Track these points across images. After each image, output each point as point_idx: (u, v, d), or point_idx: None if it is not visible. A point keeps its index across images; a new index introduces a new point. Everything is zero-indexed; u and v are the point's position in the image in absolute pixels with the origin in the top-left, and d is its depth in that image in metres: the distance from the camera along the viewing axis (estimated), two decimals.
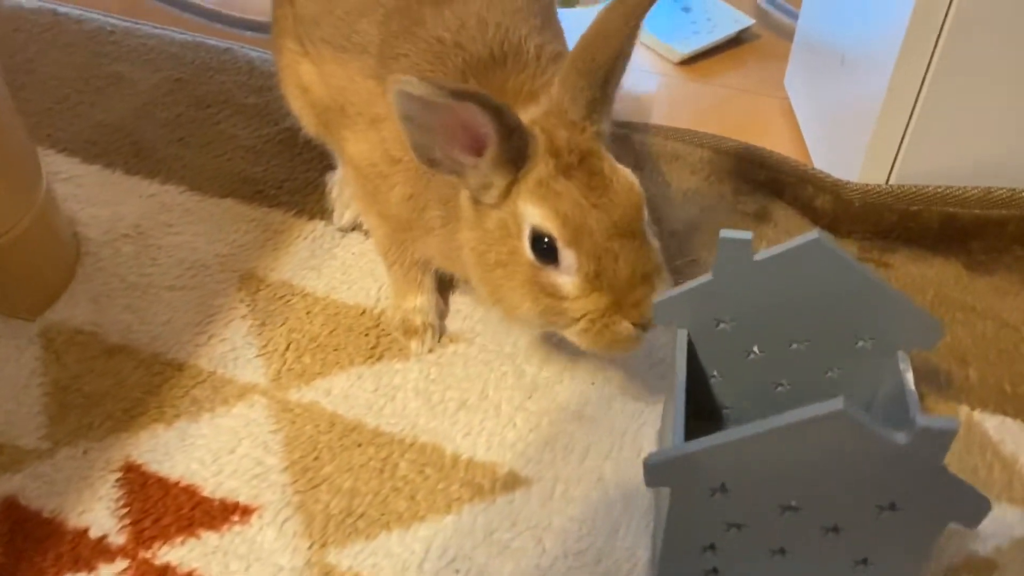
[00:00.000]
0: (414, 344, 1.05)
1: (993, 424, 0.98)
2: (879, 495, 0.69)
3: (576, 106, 0.84)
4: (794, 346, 0.86)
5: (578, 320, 0.84)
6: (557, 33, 1.03)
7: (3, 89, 1.03)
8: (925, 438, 0.64)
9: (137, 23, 1.58)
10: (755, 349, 0.88)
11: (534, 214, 0.82)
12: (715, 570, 0.80)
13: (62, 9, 1.60)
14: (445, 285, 1.12)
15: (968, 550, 0.87)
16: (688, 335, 0.87)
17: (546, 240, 0.82)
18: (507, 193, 0.84)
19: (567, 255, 0.82)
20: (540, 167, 0.83)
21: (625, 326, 0.83)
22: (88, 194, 1.26)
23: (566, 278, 0.83)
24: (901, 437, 0.65)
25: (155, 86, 1.45)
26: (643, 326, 0.84)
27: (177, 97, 1.43)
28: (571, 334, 0.87)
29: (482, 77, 0.91)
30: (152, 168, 1.30)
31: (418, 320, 1.06)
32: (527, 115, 0.85)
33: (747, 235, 0.79)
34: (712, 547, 0.77)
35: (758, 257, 0.80)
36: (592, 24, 0.83)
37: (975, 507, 0.69)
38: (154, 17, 1.62)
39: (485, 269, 0.87)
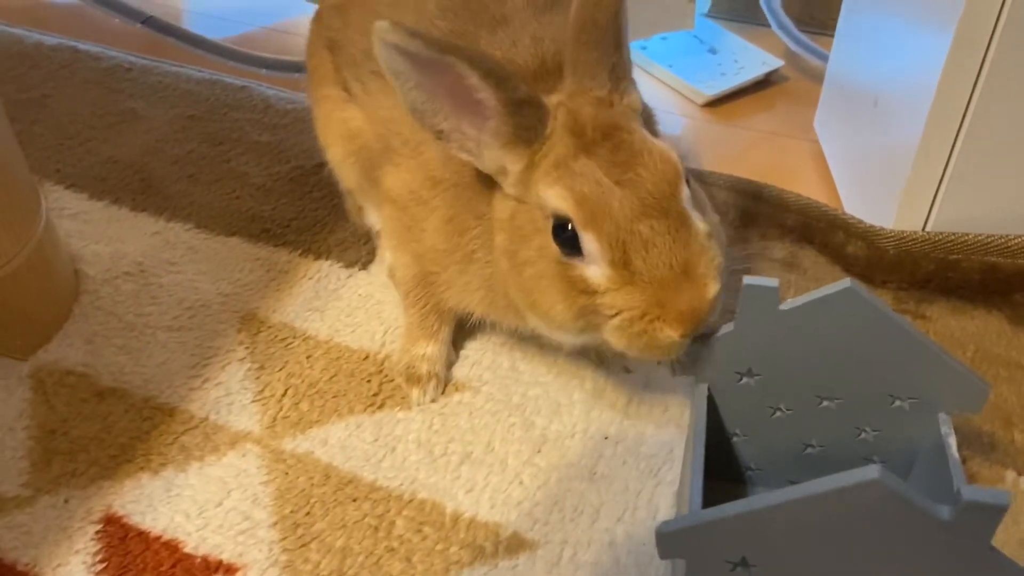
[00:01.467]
0: (415, 393, 1.00)
1: None
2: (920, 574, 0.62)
3: (599, 80, 0.78)
4: (824, 404, 0.80)
5: (612, 318, 0.75)
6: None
7: (6, 128, 1.00)
8: (971, 513, 0.57)
9: (155, 61, 1.57)
10: (782, 407, 0.81)
11: (551, 197, 0.75)
12: None
13: (82, 46, 1.60)
14: (458, 335, 1.06)
15: None
16: (709, 390, 0.80)
17: (567, 226, 0.74)
18: (529, 183, 0.78)
19: (587, 240, 0.73)
20: (559, 147, 0.76)
21: (667, 334, 0.73)
22: (92, 231, 1.23)
23: (594, 269, 0.74)
24: (944, 511, 0.58)
25: (168, 123, 1.43)
26: (688, 335, 0.73)
27: (189, 134, 1.40)
28: (607, 333, 0.77)
29: (531, 86, 0.84)
30: (159, 205, 1.27)
31: (424, 368, 1.00)
32: (552, 98, 0.80)
33: (774, 282, 0.73)
34: None
35: (785, 306, 0.74)
36: None
37: None
38: (173, 55, 1.61)
39: (517, 272, 0.81)
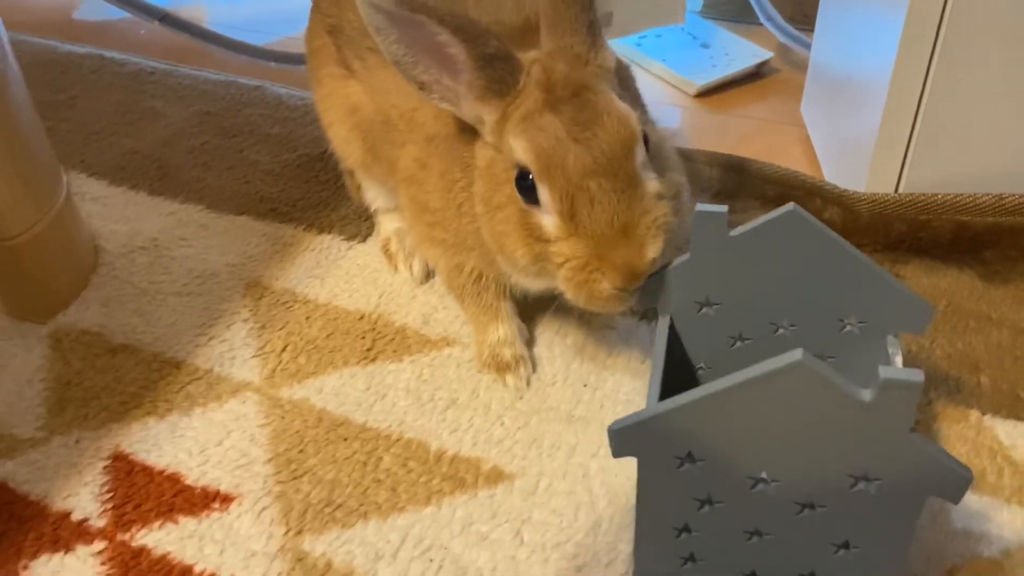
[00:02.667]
0: (510, 379, 1.01)
1: (1005, 429, 0.92)
2: (850, 463, 0.65)
3: (578, 36, 0.83)
4: (780, 331, 0.84)
5: (561, 266, 0.81)
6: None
7: (29, 105, 1.08)
8: (889, 392, 0.60)
9: (176, 65, 1.66)
10: (741, 336, 0.85)
11: (516, 147, 0.81)
12: (692, 557, 0.76)
13: (108, 54, 1.70)
14: (526, 312, 1.08)
15: (973, 552, 0.81)
16: (672, 321, 0.85)
17: (529, 176, 0.80)
18: (502, 131, 0.83)
19: (542, 191, 0.79)
20: (529, 101, 0.81)
21: (604, 286, 0.79)
22: (112, 212, 1.31)
23: (548, 219, 0.80)
24: (865, 393, 0.61)
25: (186, 119, 1.51)
26: (625, 289, 0.79)
27: (205, 128, 1.49)
28: (558, 281, 0.83)
29: (515, 43, 0.89)
30: (174, 190, 1.35)
31: (507, 353, 1.01)
32: (530, 54, 0.84)
33: (723, 208, 0.78)
34: (687, 529, 0.74)
35: (734, 232, 0.78)
36: None
37: (955, 478, 0.64)
38: (192, 61, 1.70)
39: (490, 216, 0.86)
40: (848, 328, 0.82)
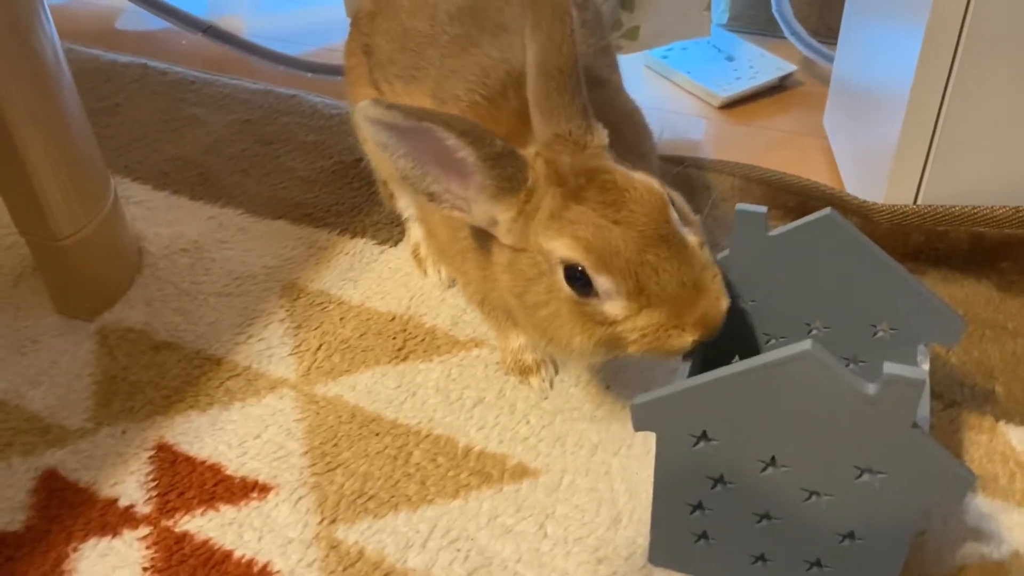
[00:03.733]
0: (534, 381, 1.04)
1: (1018, 435, 0.95)
2: (855, 455, 0.68)
3: (575, 121, 0.83)
4: (813, 332, 0.87)
5: (637, 340, 0.81)
6: (611, 64, 1.08)
7: (82, 115, 1.14)
8: (893, 387, 0.63)
9: (216, 75, 1.72)
10: (775, 334, 0.88)
11: (557, 247, 0.80)
12: (705, 535, 0.79)
13: (151, 63, 1.76)
14: None
15: (982, 553, 0.84)
16: None
17: (579, 270, 0.80)
18: (523, 232, 0.83)
19: (601, 281, 0.79)
20: (548, 200, 0.82)
21: (685, 340, 0.80)
22: (155, 216, 1.36)
23: (610, 303, 0.80)
24: (870, 387, 0.65)
25: (226, 126, 1.57)
26: (710, 336, 0.80)
27: (244, 136, 1.54)
28: (627, 348, 0.83)
29: (522, 89, 0.91)
30: (215, 195, 1.40)
31: (529, 358, 1.04)
32: (529, 150, 0.85)
33: (762, 209, 0.82)
34: (701, 507, 0.77)
35: (772, 232, 0.82)
36: (532, 41, 0.82)
37: (956, 479, 0.67)
38: (232, 70, 1.76)
39: (528, 312, 0.86)
40: (880, 334, 0.85)
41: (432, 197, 0.84)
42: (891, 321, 0.84)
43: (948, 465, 0.67)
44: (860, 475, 0.69)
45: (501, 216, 0.84)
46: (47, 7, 1.06)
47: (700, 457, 0.74)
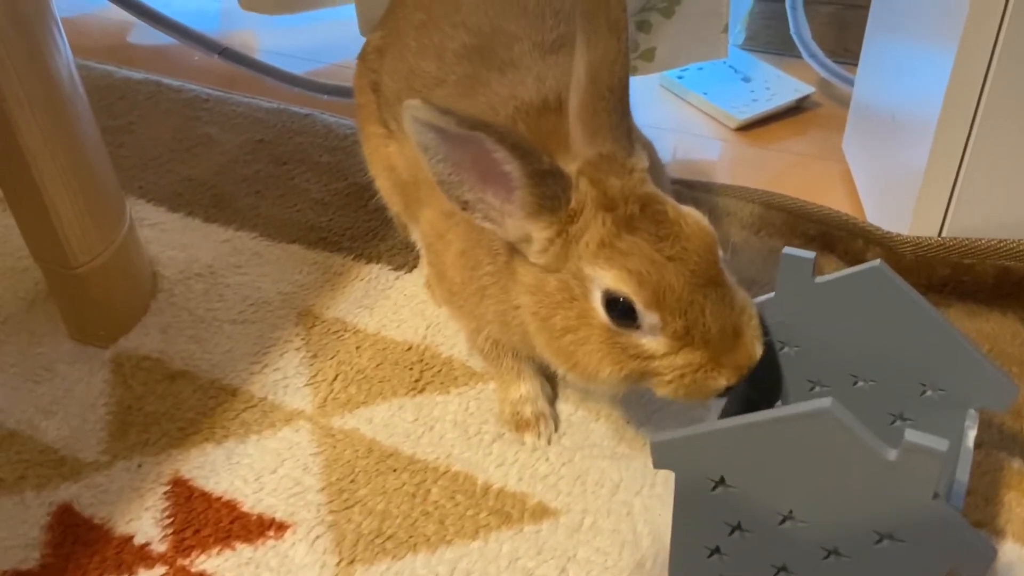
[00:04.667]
0: (528, 438, 1.01)
1: None
2: (875, 519, 0.67)
3: (620, 143, 0.81)
4: (859, 384, 0.86)
5: (671, 378, 0.80)
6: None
7: (99, 140, 1.13)
8: (912, 455, 0.62)
9: (230, 93, 1.71)
10: (819, 382, 0.87)
11: (605, 277, 0.77)
12: None
13: (165, 80, 1.76)
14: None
15: None
16: None
17: (622, 301, 0.77)
18: (561, 253, 0.81)
19: (650, 316, 0.77)
20: (597, 224, 0.79)
21: (719, 384, 0.78)
22: (169, 239, 1.35)
23: (651, 338, 0.78)
24: (891, 453, 0.63)
25: (239, 146, 1.56)
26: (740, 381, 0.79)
27: (258, 156, 1.53)
28: (657, 386, 0.82)
29: (533, 122, 0.91)
30: (229, 217, 1.39)
31: (528, 411, 1.02)
32: (572, 165, 0.82)
33: (810, 254, 0.81)
34: (718, 551, 0.76)
35: (819, 280, 0.81)
36: (583, 55, 0.80)
37: (977, 553, 0.65)
38: (246, 88, 1.75)
39: (552, 336, 0.83)
40: (928, 394, 0.83)
41: (466, 206, 0.81)
42: (940, 383, 0.82)
43: (969, 538, 0.65)
44: (879, 540, 0.68)
45: (537, 234, 0.81)
46: (63, 30, 1.05)
47: (718, 502, 0.73)
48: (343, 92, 1.70)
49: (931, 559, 0.67)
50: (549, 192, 0.79)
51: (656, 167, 0.99)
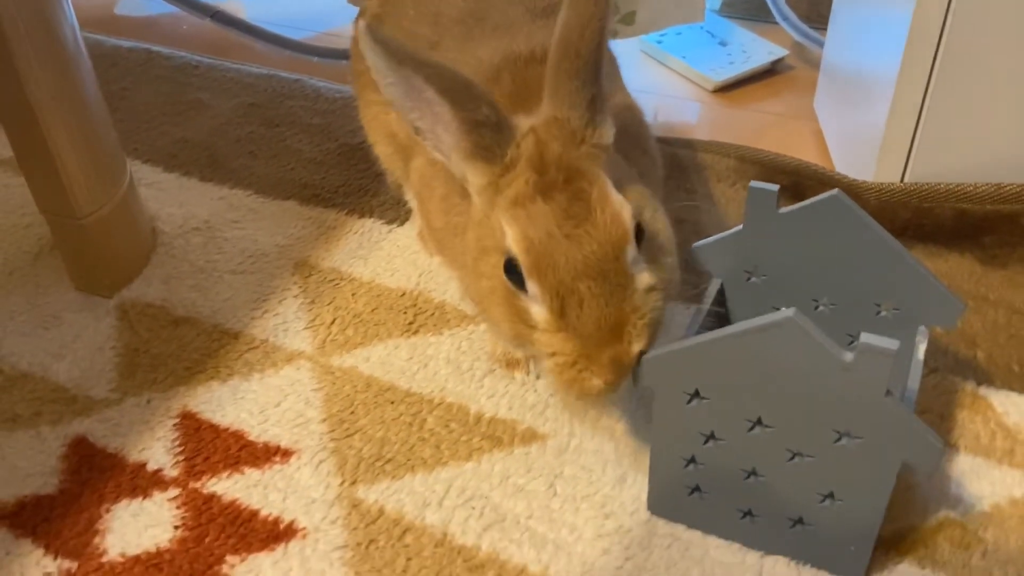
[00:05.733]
0: (518, 375, 1.06)
1: (999, 399, 1.00)
2: (834, 418, 0.73)
3: (577, 111, 0.80)
4: (820, 308, 0.92)
5: (548, 358, 0.80)
6: (611, 60, 1.06)
7: (99, 97, 1.17)
8: (867, 356, 0.68)
9: (220, 60, 1.76)
10: (783, 308, 0.93)
11: (508, 233, 0.79)
12: (698, 488, 0.85)
13: (155, 48, 1.80)
14: None
15: (965, 505, 0.90)
16: (722, 286, 0.95)
17: (516, 262, 0.79)
18: (490, 201, 0.82)
19: (531, 285, 0.78)
20: (520, 183, 0.79)
21: (595, 383, 0.78)
22: (166, 197, 1.40)
23: (536, 308, 0.79)
24: (847, 355, 0.69)
25: (231, 110, 1.61)
26: (615, 382, 0.78)
27: (250, 119, 1.58)
28: (544, 370, 0.83)
29: (520, 71, 0.93)
30: (224, 176, 1.44)
31: (518, 352, 1.05)
32: (528, 120, 0.83)
33: (774, 187, 0.86)
34: (694, 461, 0.83)
35: (783, 211, 0.87)
36: (562, 14, 0.80)
37: (927, 446, 0.71)
38: (235, 55, 1.80)
39: (476, 276, 0.85)
40: (883, 314, 0.90)
41: (418, 131, 0.82)
42: (894, 302, 0.89)
43: (920, 433, 0.71)
44: (839, 439, 0.74)
45: (472, 179, 0.83)
46: None
47: (693, 413, 0.79)
48: (333, 55, 1.74)
49: (885, 454, 0.74)
50: (483, 142, 0.80)
51: (638, 136, 1.02)
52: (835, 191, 0.85)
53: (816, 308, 0.93)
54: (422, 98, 0.80)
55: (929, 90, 1.15)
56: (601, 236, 0.76)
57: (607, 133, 0.82)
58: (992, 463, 0.94)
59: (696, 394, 0.78)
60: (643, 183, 0.89)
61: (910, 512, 0.89)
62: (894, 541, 0.87)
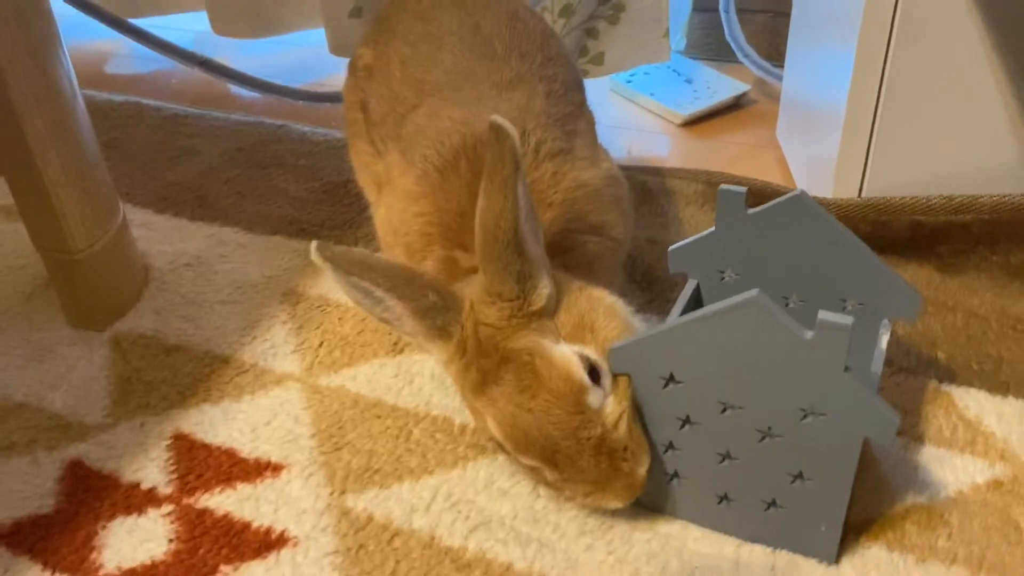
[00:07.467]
0: None
1: (959, 394, 1.05)
2: (799, 397, 0.78)
3: (507, 285, 0.85)
4: (790, 304, 0.97)
5: (568, 496, 0.90)
6: (571, 133, 1.07)
7: (93, 136, 1.23)
8: (825, 332, 0.73)
9: (207, 110, 1.82)
10: None
11: (488, 423, 0.87)
12: (677, 474, 0.88)
13: (146, 101, 1.86)
14: None
15: (930, 493, 0.94)
16: (698, 286, 1.00)
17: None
18: (458, 380, 0.90)
19: (524, 459, 0.86)
20: (472, 372, 0.87)
21: (614, 504, 0.86)
22: (158, 236, 1.45)
23: (540, 469, 0.86)
24: (807, 333, 0.74)
25: (220, 155, 1.67)
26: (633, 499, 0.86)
27: (238, 162, 1.64)
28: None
29: (475, 157, 0.98)
30: (213, 215, 1.49)
31: None
32: (467, 291, 0.89)
33: (742, 189, 0.92)
34: (672, 446, 0.86)
35: (751, 211, 0.93)
36: (479, 207, 0.84)
37: (882, 420, 0.76)
38: (223, 106, 1.86)
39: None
40: (848, 308, 0.95)
41: (386, 322, 0.89)
42: (858, 297, 0.94)
43: (877, 406, 0.76)
44: (804, 416, 0.79)
45: (436, 355, 0.90)
46: (60, 33, 1.15)
47: (669, 398, 0.83)
48: (317, 98, 1.81)
49: (847, 429, 0.78)
50: (436, 323, 0.87)
51: (596, 206, 1.04)
52: (798, 191, 0.91)
53: (787, 305, 0.98)
54: (375, 297, 0.87)
55: (877, 116, 1.23)
56: (559, 399, 0.82)
57: (540, 296, 0.87)
58: (955, 452, 0.98)
59: (671, 379, 0.82)
60: (597, 274, 0.97)
61: (880, 502, 0.93)
62: (864, 528, 0.91)
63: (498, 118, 0.81)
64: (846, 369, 0.75)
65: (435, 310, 0.87)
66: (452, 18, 1.14)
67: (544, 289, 0.87)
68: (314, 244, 0.87)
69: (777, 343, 0.76)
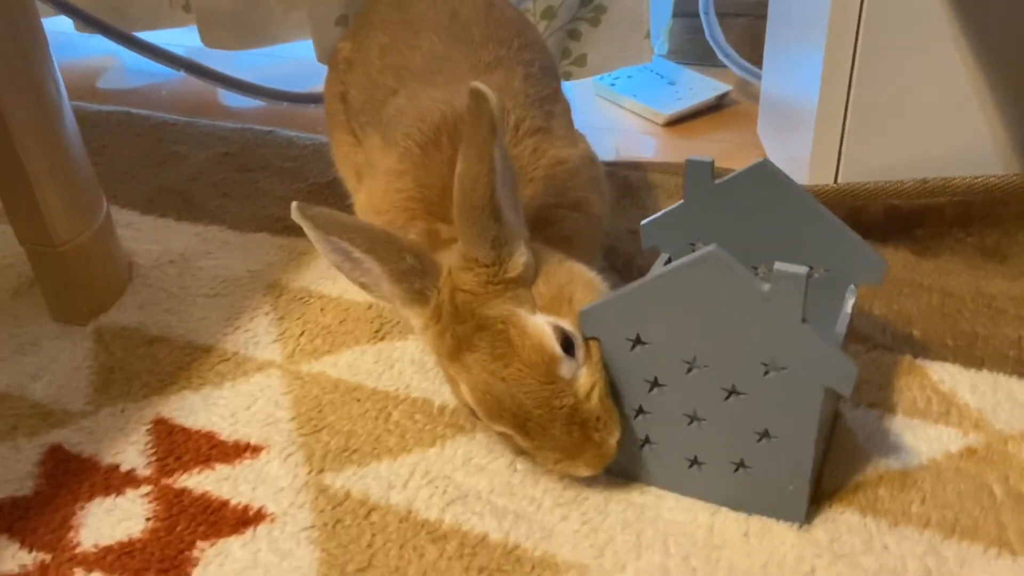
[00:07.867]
0: None
1: (933, 368, 1.06)
2: (760, 351, 0.78)
3: (483, 250, 0.85)
4: (759, 274, 0.98)
5: (539, 461, 0.90)
6: (549, 114, 1.10)
7: (78, 134, 1.24)
8: (781, 283, 0.74)
9: (195, 118, 1.84)
10: None
11: (463, 389, 0.87)
12: (648, 439, 0.89)
13: (134, 110, 1.88)
14: None
15: (904, 461, 0.94)
16: (669, 259, 1.01)
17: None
18: (434, 345, 0.89)
19: (496, 426, 0.87)
20: (447, 337, 0.86)
21: (584, 471, 0.87)
22: (143, 235, 1.46)
23: (512, 436, 0.87)
24: (765, 286, 0.75)
25: (207, 159, 1.68)
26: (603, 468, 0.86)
27: (225, 166, 1.65)
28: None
29: (455, 133, 1.00)
30: (199, 216, 1.51)
31: None
32: (445, 257, 0.90)
33: (709, 159, 0.93)
34: (642, 411, 0.87)
35: (718, 181, 0.94)
36: (458, 171, 0.84)
37: (841, 369, 0.76)
38: (210, 114, 1.89)
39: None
40: (815, 275, 0.96)
41: (364, 287, 0.90)
42: (825, 263, 0.95)
43: (835, 356, 0.77)
44: (766, 371, 0.80)
45: (413, 321, 0.91)
46: (46, 36, 1.18)
47: (637, 360, 0.84)
48: (303, 99, 1.84)
49: (808, 381, 0.78)
50: (413, 287, 0.88)
51: (574, 183, 1.07)
52: (763, 159, 0.92)
53: (757, 274, 0.98)
54: (353, 258, 0.88)
55: (848, 110, 1.27)
56: (532, 369, 0.82)
57: (517, 264, 0.87)
58: (928, 423, 0.99)
59: (638, 340, 0.83)
60: (577, 249, 0.98)
61: (854, 470, 0.94)
62: (837, 493, 0.91)
63: (478, 84, 0.82)
64: (804, 321, 0.76)
65: (413, 274, 0.87)
66: (429, 6, 1.16)
67: (520, 257, 0.87)
68: (295, 204, 0.88)
69: (737, 297, 0.77)
